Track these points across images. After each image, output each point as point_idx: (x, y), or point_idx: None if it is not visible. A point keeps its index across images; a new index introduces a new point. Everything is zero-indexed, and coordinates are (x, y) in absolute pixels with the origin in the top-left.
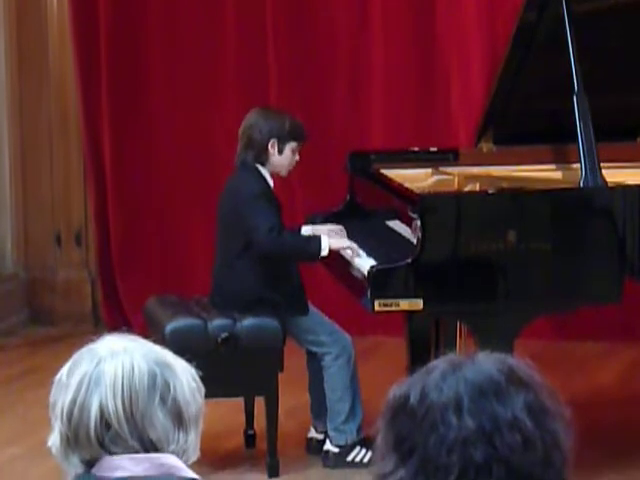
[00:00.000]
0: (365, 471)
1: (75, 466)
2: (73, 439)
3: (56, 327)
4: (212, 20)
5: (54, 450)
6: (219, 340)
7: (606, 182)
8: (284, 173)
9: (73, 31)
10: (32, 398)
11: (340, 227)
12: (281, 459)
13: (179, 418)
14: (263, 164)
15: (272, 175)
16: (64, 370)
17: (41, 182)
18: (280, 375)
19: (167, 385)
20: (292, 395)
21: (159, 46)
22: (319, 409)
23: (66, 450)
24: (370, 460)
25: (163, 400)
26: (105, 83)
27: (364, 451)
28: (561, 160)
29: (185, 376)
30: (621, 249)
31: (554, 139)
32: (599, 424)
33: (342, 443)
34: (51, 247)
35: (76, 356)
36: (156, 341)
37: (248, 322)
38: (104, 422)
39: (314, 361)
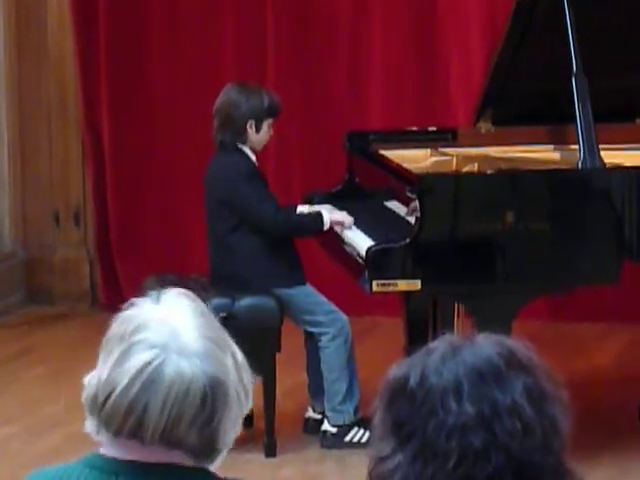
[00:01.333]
0: (362, 451)
1: (92, 423)
2: (105, 420)
3: (54, 306)
4: (212, 1)
5: (85, 393)
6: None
7: (604, 164)
8: (260, 148)
9: (72, 11)
10: (29, 377)
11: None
12: (278, 439)
13: (211, 446)
14: (243, 143)
15: (252, 152)
16: (130, 321)
17: (40, 161)
18: (278, 355)
19: (213, 413)
20: (290, 375)
21: (159, 26)
22: (317, 389)
23: (91, 411)
24: (368, 440)
25: (202, 428)
26: (104, 63)
27: (362, 431)
28: (559, 141)
29: (235, 402)
30: (619, 231)
31: (553, 120)
32: (597, 405)
33: (340, 423)
34: (49, 226)
35: (147, 312)
36: None
37: (246, 302)
38: (139, 427)
39: (312, 341)
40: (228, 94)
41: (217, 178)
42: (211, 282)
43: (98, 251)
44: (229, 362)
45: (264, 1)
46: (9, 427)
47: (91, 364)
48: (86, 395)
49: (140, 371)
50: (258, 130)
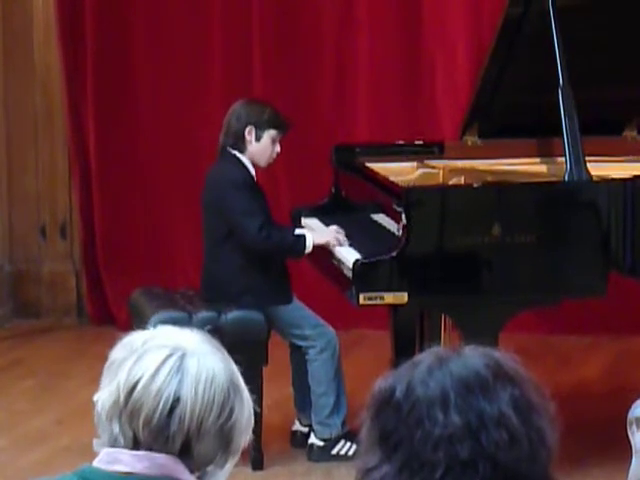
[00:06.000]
0: (349, 464)
1: (110, 434)
2: (130, 413)
3: (41, 319)
4: (198, 14)
5: (99, 407)
6: None
7: (591, 176)
8: (263, 164)
9: (58, 25)
10: (17, 390)
11: (336, 227)
12: (265, 452)
13: (226, 445)
14: (242, 152)
15: (253, 164)
16: (133, 341)
17: (26, 174)
18: (264, 368)
19: (232, 410)
20: (276, 388)
21: (145, 40)
22: (303, 402)
23: (112, 417)
24: (354, 453)
25: (222, 423)
26: (90, 76)
27: (348, 444)
28: (546, 154)
29: (248, 406)
30: (605, 243)
31: (539, 132)
32: (583, 418)
33: (327, 436)
34: (36, 239)
35: (148, 332)
36: None
37: (233, 315)
38: (169, 416)
39: (297, 355)
40: (233, 106)
41: (210, 185)
42: (201, 291)
43: (85, 264)
44: (238, 374)
45: (250, 16)
46: None
47: (78, 377)
48: (101, 407)
49: (164, 361)
50: (258, 139)
